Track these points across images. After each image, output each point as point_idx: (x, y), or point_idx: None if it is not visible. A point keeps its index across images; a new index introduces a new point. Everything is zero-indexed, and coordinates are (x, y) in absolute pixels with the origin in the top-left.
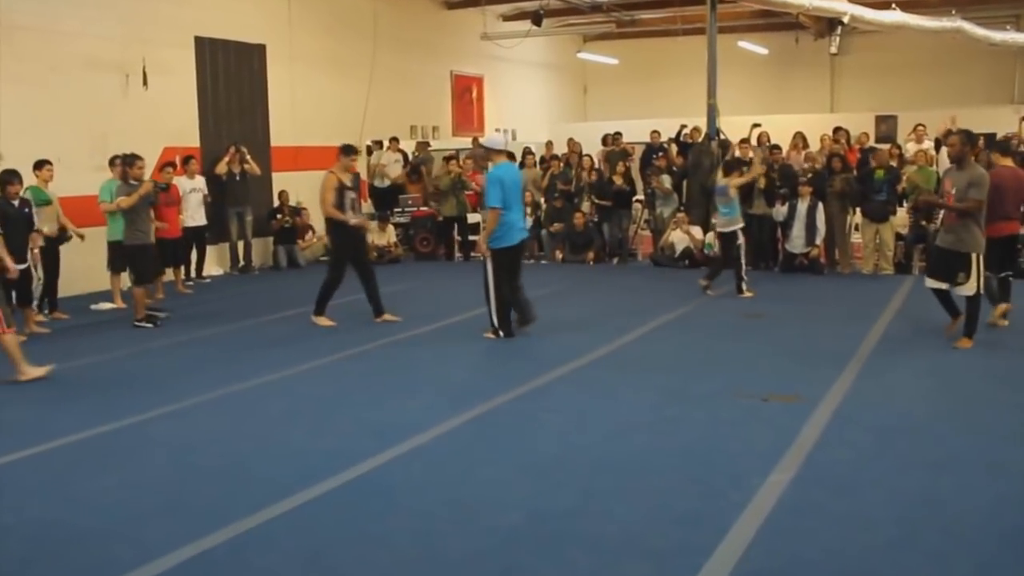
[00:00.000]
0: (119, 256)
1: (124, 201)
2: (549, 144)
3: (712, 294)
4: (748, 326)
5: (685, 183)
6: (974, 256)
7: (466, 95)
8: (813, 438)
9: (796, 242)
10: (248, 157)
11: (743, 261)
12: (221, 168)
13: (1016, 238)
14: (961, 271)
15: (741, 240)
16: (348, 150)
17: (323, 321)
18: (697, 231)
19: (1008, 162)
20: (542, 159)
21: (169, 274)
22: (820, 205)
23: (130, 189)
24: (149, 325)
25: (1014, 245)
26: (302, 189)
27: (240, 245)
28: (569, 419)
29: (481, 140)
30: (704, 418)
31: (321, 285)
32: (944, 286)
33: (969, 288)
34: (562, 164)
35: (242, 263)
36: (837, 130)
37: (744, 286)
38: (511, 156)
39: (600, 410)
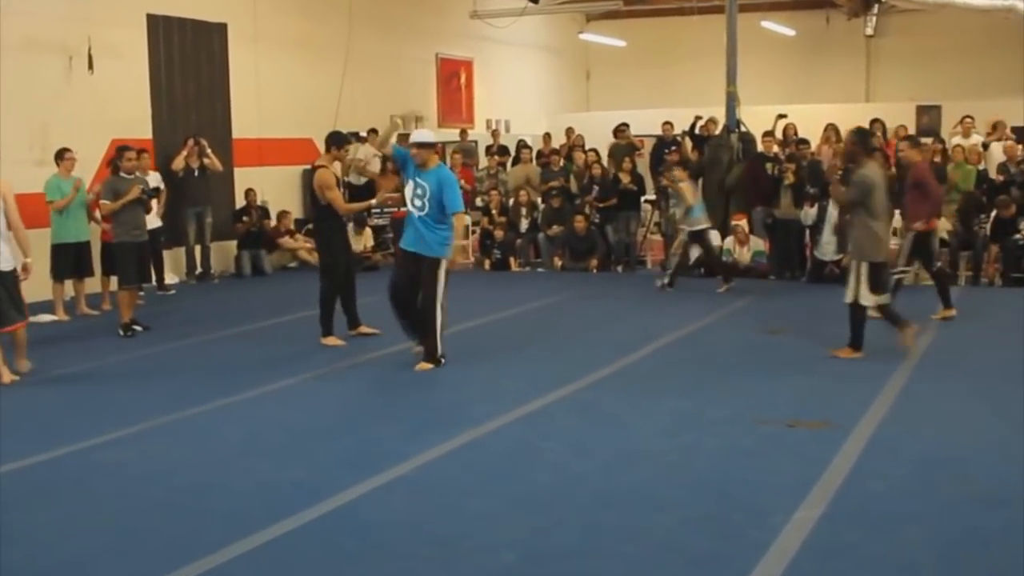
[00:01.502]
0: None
1: (106, 207)
2: (547, 137)
3: (722, 290)
4: (771, 343)
5: (700, 181)
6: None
7: (454, 81)
8: (845, 470)
9: (826, 248)
10: (208, 151)
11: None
12: (178, 163)
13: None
14: None
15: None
16: (339, 139)
17: (333, 341)
18: (714, 236)
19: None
20: (539, 154)
21: (113, 283)
22: None
23: (119, 184)
24: (133, 332)
25: None
26: (267, 186)
27: (198, 250)
28: (569, 447)
29: (413, 136)
30: (721, 446)
31: (319, 300)
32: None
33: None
34: (562, 160)
35: (199, 270)
36: (873, 122)
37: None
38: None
39: (604, 437)
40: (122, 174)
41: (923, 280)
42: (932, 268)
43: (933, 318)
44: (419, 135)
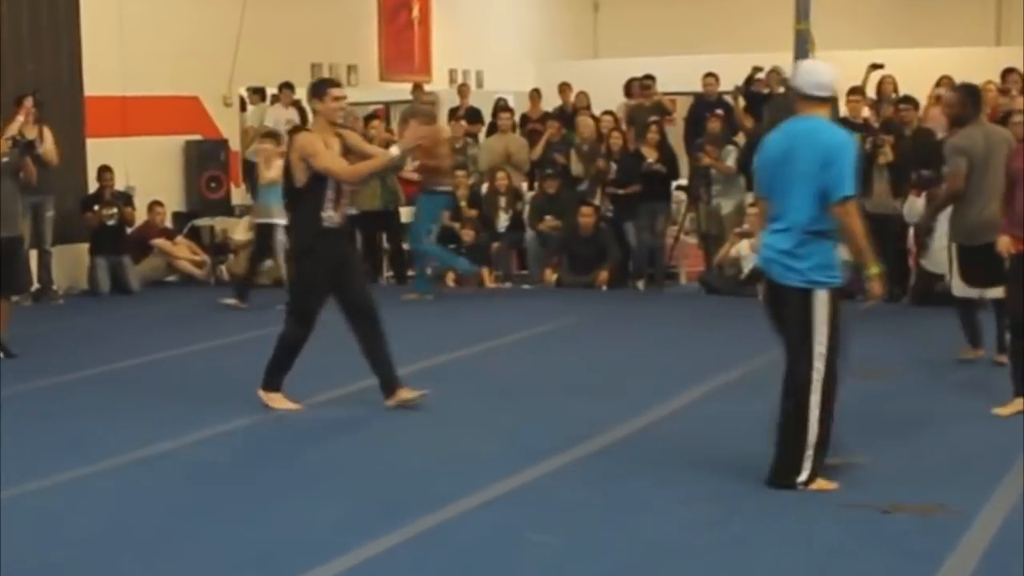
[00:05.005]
0: None
1: None
2: (535, 94)
3: None
4: (861, 392)
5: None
6: None
7: (402, 16)
8: (967, 571)
9: (940, 256)
10: (46, 132)
11: None
12: (11, 130)
13: None
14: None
15: None
16: (325, 85)
17: (280, 402)
18: None
19: None
20: (525, 119)
21: None
22: None
23: None
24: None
25: None
26: (133, 165)
27: (34, 257)
28: (569, 538)
29: None
30: (789, 539)
31: (279, 339)
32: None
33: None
34: (561, 128)
35: (37, 285)
36: (1008, 73)
37: None
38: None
39: (618, 524)
40: None
41: None
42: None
43: None
44: None
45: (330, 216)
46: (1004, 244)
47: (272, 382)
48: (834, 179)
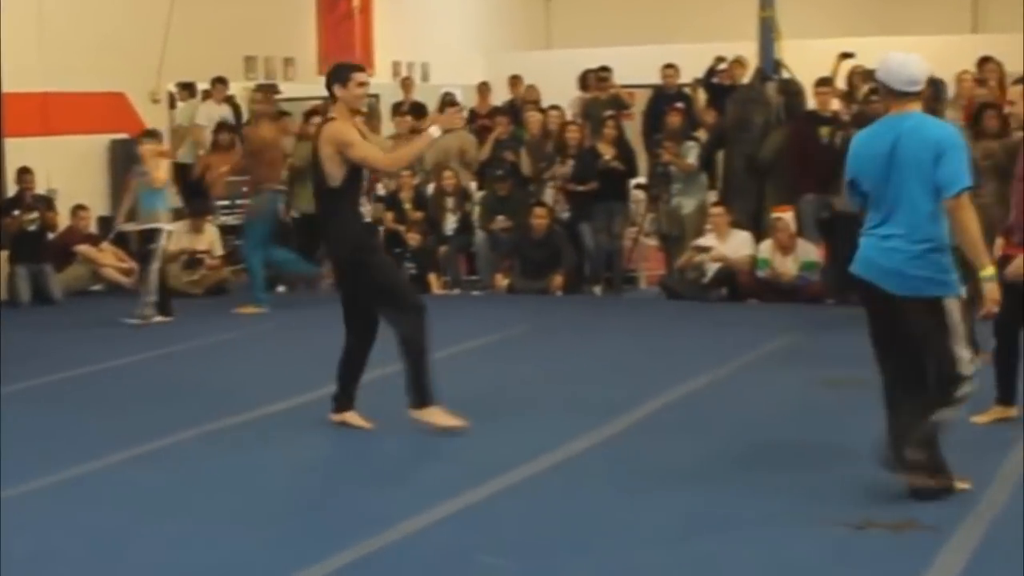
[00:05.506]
0: None
1: None
2: (484, 88)
3: None
4: (830, 404)
5: (722, 155)
6: None
7: (341, 5)
8: None
9: None
10: None
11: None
12: None
13: None
14: None
15: None
16: (348, 70)
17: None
18: (743, 239)
19: None
20: (474, 114)
21: None
22: None
23: None
24: None
25: None
26: (55, 167)
27: None
28: (524, 560)
29: None
30: (759, 558)
31: (403, 350)
32: None
33: None
34: (510, 124)
35: None
36: (985, 62)
37: None
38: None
39: (579, 544)
40: None
41: None
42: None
43: None
44: None
45: (364, 211)
46: (996, 246)
47: (422, 397)
48: (948, 173)
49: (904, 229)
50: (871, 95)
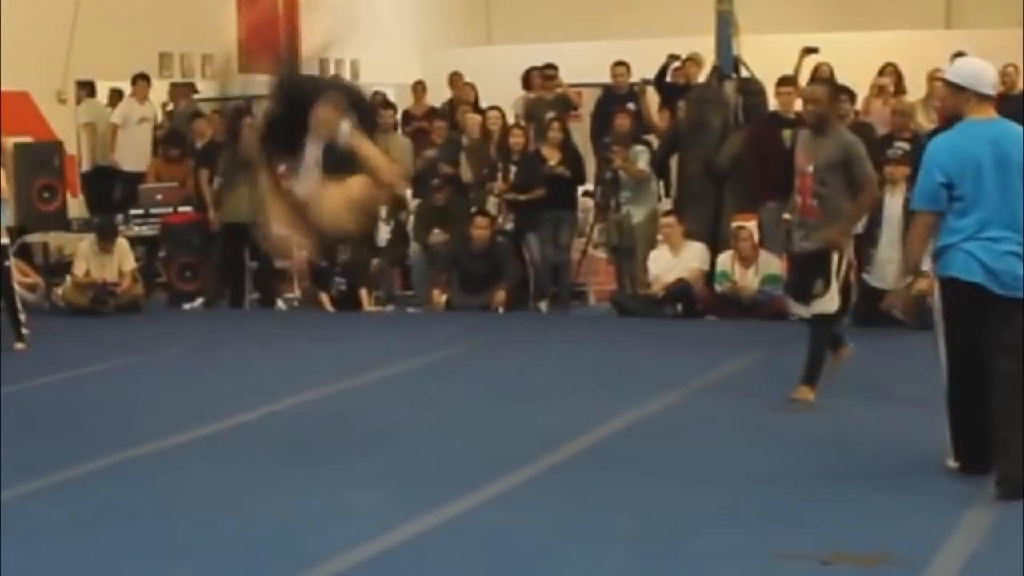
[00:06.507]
0: None
1: None
2: (419, 87)
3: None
4: (792, 426)
5: (675, 160)
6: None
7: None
8: None
9: (884, 269)
10: None
11: None
12: None
13: None
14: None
15: None
16: None
17: None
18: (697, 251)
19: None
20: (408, 116)
21: None
22: None
23: None
24: None
25: None
26: None
27: None
28: None
29: None
30: None
31: None
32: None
33: (828, 302)
34: (447, 128)
35: None
36: (957, 58)
37: None
38: None
39: None
40: None
41: None
42: None
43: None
44: None
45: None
46: None
47: None
48: None
49: (1012, 232)
50: (837, 95)
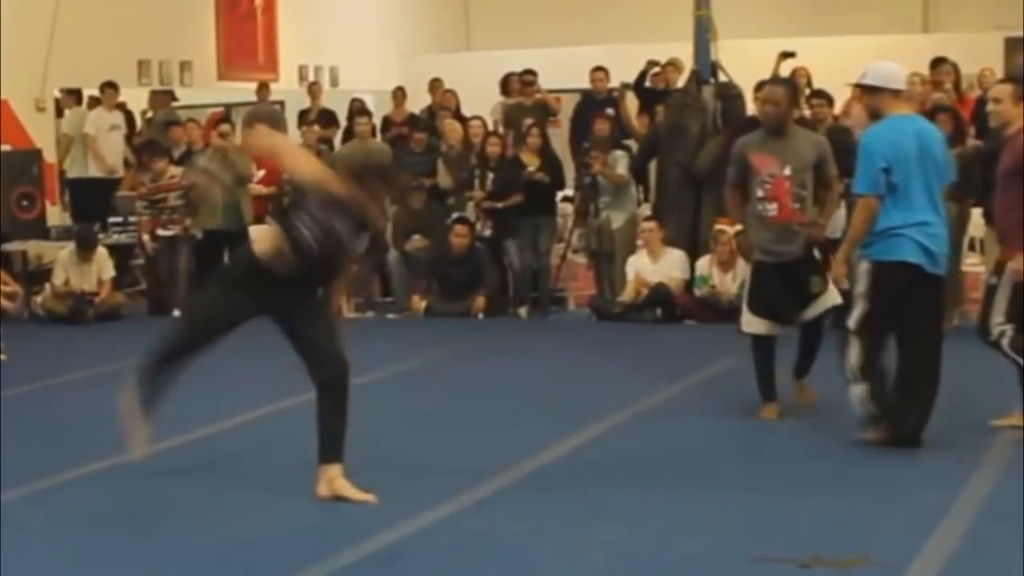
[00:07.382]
0: None
1: None
2: (399, 93)
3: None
4: (772, 432)
5: (655, 165)
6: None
7: (242, 4)
8: None
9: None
10: None
11: None
12: None
13: None
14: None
15: None
16: None
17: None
18: (677, 259)
19: None
20: (387, 122)
21: None
22: None
23: None
24: None
25: None
26: None
27: None
28: None
29: None
30: None
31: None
32: (773, 329)
33: (831, 295)
34: (426, 136)
35: None
36: (938, 64)
37: None
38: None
39: None
40: None
41: None
42: None
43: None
44: None
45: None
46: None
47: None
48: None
49: (935, 218)
50: (813, 98)
